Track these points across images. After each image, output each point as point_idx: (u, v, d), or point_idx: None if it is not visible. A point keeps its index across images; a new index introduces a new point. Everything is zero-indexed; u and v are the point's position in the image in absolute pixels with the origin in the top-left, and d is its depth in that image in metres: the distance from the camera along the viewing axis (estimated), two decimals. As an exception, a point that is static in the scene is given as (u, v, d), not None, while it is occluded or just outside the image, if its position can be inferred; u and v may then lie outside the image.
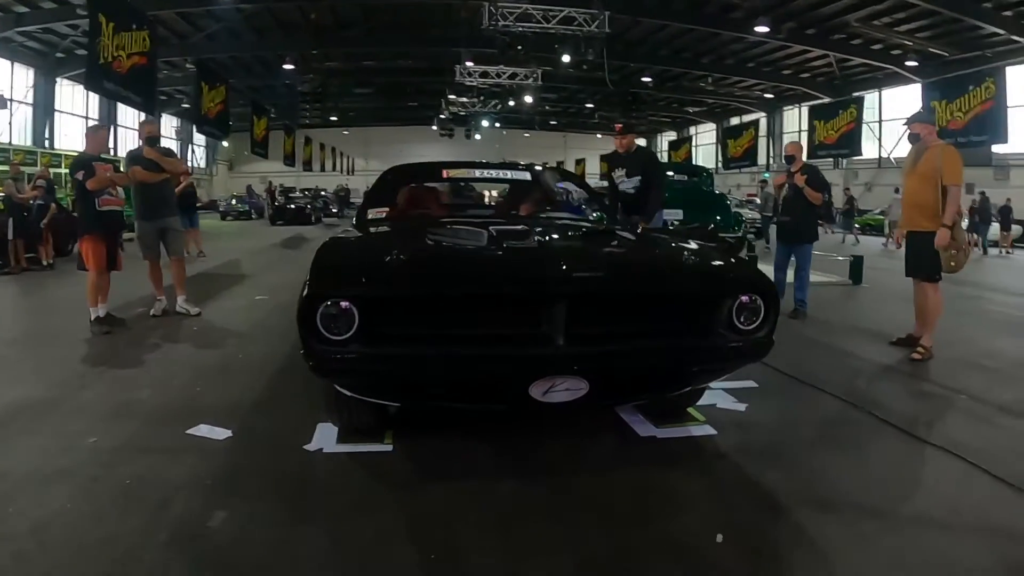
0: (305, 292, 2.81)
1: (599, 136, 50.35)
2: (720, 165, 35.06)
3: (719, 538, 2.63)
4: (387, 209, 4.71)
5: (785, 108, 37.15)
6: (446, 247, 3.62)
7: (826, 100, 28.53)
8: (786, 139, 36.24)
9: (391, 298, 2.87)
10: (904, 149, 23.02)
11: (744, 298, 3.07)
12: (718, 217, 13.24)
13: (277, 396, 4.40)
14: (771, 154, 35.77)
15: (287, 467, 3.26)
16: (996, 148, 20.80)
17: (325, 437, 3.56)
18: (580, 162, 45.46)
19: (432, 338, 2.87)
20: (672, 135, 47.21)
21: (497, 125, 38.27)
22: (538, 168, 5.62)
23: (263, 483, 3.09)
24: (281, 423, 3.84)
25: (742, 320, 3.08)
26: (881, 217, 21.67)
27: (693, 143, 34.97)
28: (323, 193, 35.36)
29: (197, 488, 3.00)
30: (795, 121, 36.29)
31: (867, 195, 29.13)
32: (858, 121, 20.72)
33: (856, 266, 10.69)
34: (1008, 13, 19.30)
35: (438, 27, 23.50)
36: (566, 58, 17.71)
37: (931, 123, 5.93)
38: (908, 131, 5.84)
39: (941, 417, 4.25)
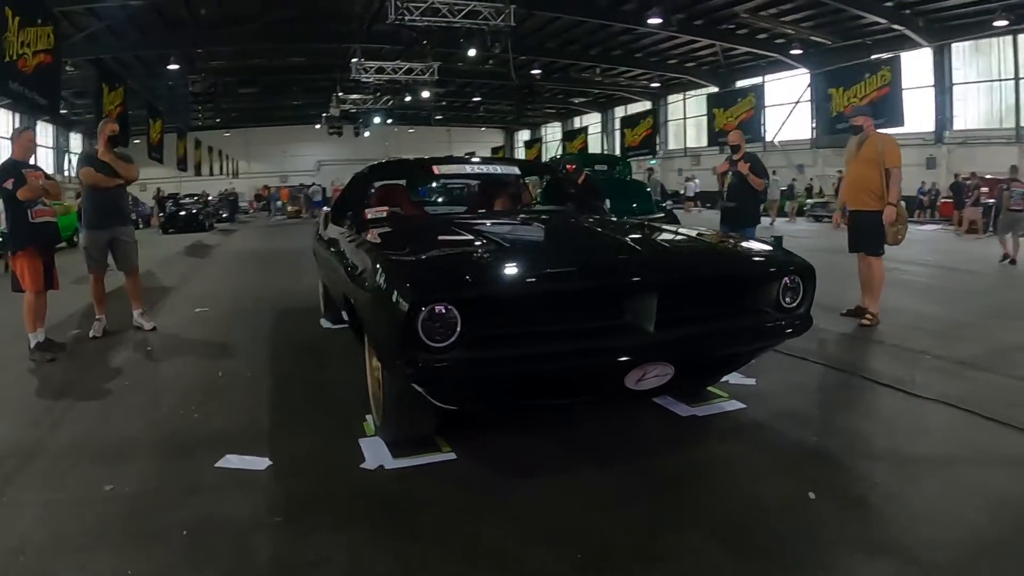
0: (399, 298, 2.62)
1: (483, 129, 50.52)
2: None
3: (811, 495, 2.84)
4: (385, 208, 4.52)
5: (670, 97, 38.30)
6: (529, 243, 3.57)
7: (726, 89, 29.67)
8: (672, 127, 37.58)
9: (498, 299, 2.79)
10: (788, 133, 24.57)
11: (787, 279, 3.29)
12: (634, 204, 13.63)
13: (291, 414, 4.04)
14: (657, 142, 36.82)
15: (356, 490, 3.01)
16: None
17: (376, 454, 3.32)
18: (470, 155, 45.25)
19: (536, 337, 2.80)
20: (557, 125, 47.79)
21: (389, 121, 37.65)
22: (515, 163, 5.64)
23: (338, 510, 2.83)
24: (318, 444, 3.53)
25: (787, 299, 3.30)
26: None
27: (588, 133, 35.20)
28: (209, 198, 33.73)
29: (270, 528, 2.68)
30: (680, 110, 37.37)
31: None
32: (757, 109, 21.72)
33: (778, 247, 11.15)
34: (889, 3, 20.78)
35: (329, 23, 22.76)
36: (472, 52, 17.58)
37: (871, 115, 6.46)
38: (851, 122, 6.50)
39: (920, 374, 4.62)
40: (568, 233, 3.68)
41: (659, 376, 2.96)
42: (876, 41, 23.66)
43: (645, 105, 39.34)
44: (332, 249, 4.79)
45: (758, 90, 23.02)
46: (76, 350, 5.73)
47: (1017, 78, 21.59)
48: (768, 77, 29.57)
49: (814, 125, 25.34)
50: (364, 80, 22.32)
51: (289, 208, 28.16)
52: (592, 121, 44.65)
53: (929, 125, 22.99)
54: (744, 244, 3.84)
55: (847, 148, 6.50)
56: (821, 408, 4.20)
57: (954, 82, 23.06)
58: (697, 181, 30.27)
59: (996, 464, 3.19)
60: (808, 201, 25.54)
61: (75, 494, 3.02)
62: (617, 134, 38.10)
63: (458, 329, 2.60)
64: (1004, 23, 19.65)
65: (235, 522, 2.73)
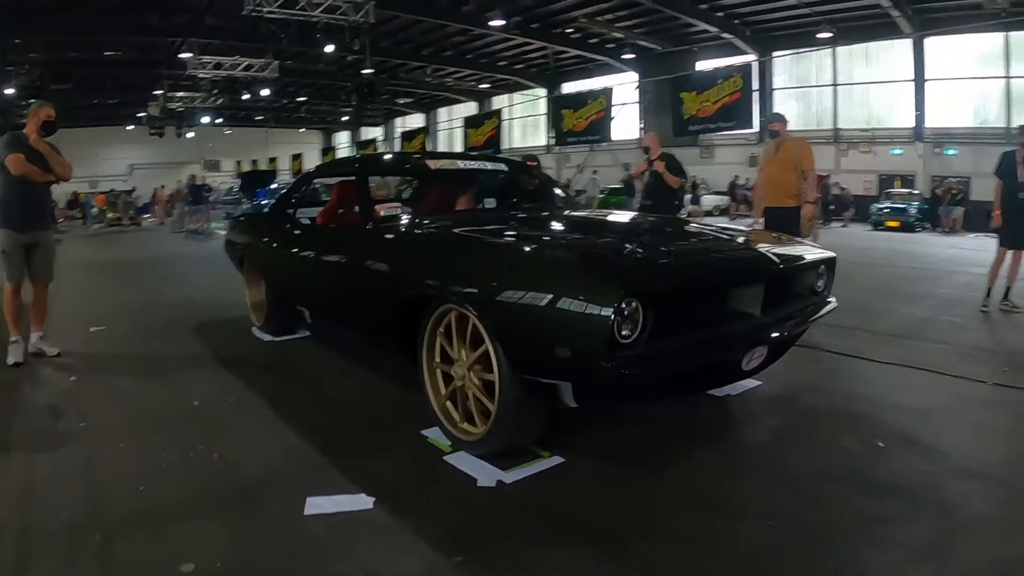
0: (599, 293, 2.49)
1: (302, 130, 48.78)
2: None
3: (880, 444, 3.38)
4: (398, 205, 4.25)
5: (495, 97, 38.97)
6: (663, 241, 3.52)
7: (573, 91, 30.32)
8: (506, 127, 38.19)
9: (674, 293, 2.77)
10: (618, 133, 25.73)
11: (823, 268, 3.72)
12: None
13: (328, 440, 3.50)
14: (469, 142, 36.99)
15: (500, 511, 2.74)
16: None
17: (482, 470, 3.04)
18: (297, 157, 43.55)
19: (693, 328, 2.85)
20: (379, 130, 47.12)
21: (219, 121, 35.30)
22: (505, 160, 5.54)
23: (505, 535, 2.57)
24: (400, 469, 3.13)
25: (819, 285, 3.70)
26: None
27: (429, 132, 34.88)
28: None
29: (458, 569, 2.36)
30: (506, 110, 38.11)
31: (579, 176, 31.81)
32: (607, 111, 22.58)
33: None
34: (720, 14, 22.60)
35: (157, 14, 20.80)
36: (330, 48, 16.88)
37: (785, 121, 6.95)
38: (769, 127, 6.98)
39: (867, 345, 5.34)
40: (679, 232, 3.87)
41: (758, 358, 3.19)
42: (703, 48, 25.62)
43: (471, 106, 39.95)
44: (320, 253, 4.45)
45: (608, 93, 23.93)
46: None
47: (836, 84, 24.30)
48: (604, 79, 31.00)
49: (642, 126, 26.80)
50: (202, 76, 20.66)
51: (109, 215, 25.52)
52: (416, 123, 44.31)
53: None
54: (791, 240, 4.14)
55: (764, 150, 7.02)
56: (821, 377, 4.58)
57: (774, 87, 25.66)
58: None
59: (969, 406, 4.05)
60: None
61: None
62: (458, 133, 38.30)
63: (640, 324, 2.55)
64: (828, 35, 21.99)
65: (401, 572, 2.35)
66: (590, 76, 31.64)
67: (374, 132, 46.30)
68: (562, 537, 2.53)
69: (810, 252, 3.74)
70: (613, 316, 2.43)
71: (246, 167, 43.93)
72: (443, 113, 43.71)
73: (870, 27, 21.61)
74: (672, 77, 21.69)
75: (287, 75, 29.37)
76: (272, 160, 43.91)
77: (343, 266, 4.09)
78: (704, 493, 2.89)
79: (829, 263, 3.75)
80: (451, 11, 23.20)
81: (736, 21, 23.44)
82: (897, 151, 22.93)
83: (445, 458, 3.18)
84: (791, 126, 6.93)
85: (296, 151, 44.66)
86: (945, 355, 5.12)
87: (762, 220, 6.90)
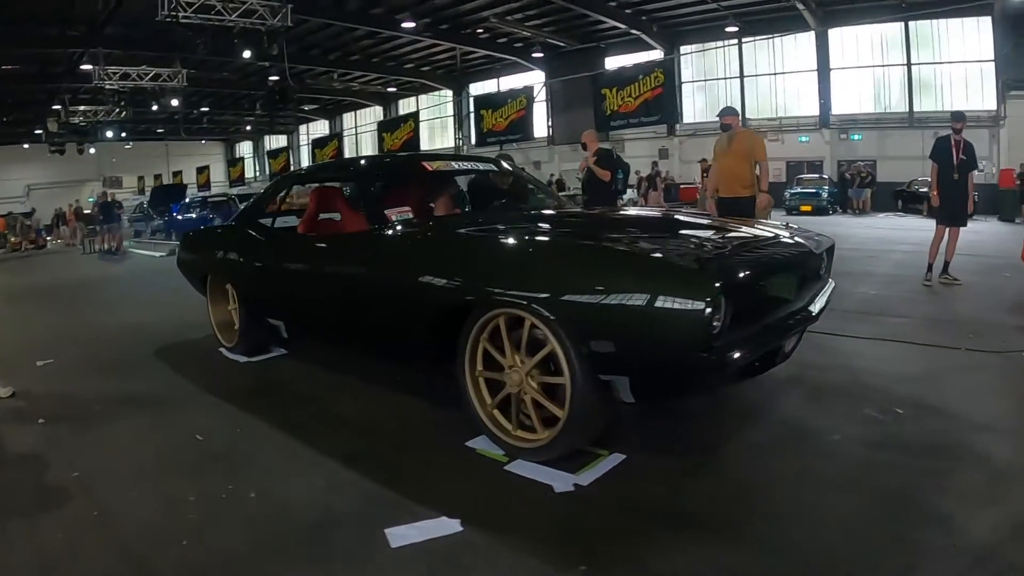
0: (697, 288, 2.53)
1: (203, 142, 47.10)
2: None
3: (900, 411, 3.63)
4: (408, 208, 4.05)
5: (401, 100, 38.60)
6: (715, 236, 3.47)
7: (491, 91, 30.56)
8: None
9: (750, 286, 2.87)
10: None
11: (828, 252, 3.84)
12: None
13: (375, 461, 3.28)
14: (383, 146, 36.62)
15: (590, 516, 2.66)
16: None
17: (550, 476, 2.94)
18: (203, 170, 41.93)
19: (759, 314, 2.98)
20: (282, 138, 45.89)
21: (123, 135, 33.51)
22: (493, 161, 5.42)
23: (616, 541, 2.48)
24: (467, 486, 2.96)
25: (823, 268, 3.82)
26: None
27: (348, 136, 33.94)
28: None
29: None
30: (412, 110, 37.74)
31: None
32: (528, 110, 22.65)
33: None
34: (628, 11, 23.01)
35: (53, 25, 19.44)
36: (247, 54, 16.25)
37: (737, 115, 7.24)
38: (721, 121, 7.16)
39: (846, 323, 5.52)
40: (717, 226, 3.83)
41: (795, 340, 3.36)
42: (611, 44, 26.09)
43: (377, 111, 39.51)
44: (316, 265, 4.23)
45: (529, 92, 24.04)
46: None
47: (742, 76, 25.13)
48: (511, 79, 31.16)
49: (550, 124, 27.05)
50: (108, 87, 19.53)
51: (12, 239, 23.75)
52: (321, 130, 43.38)
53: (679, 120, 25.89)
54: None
55: (718, 143, 7.19)
56: (815, 357, 4.62)
57: (683, 80, 26.31)
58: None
59: (955, 370, 4.43)
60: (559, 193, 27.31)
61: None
62: (365, 138, 37.59)
63: (723, 318, 2.59)
64: (734, 29, 22.69)
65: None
66: (497, 76, 31.90)
67: (279, 141, 45.20)
68: (671, 530, 2.53)
69: (827, 238, 3.90)
70: (710, 308, 2.47)
71: (149, 183, 42.04)
72: (348, 119, 43.13)
73: (776, 20, 22.58)
74: (593, 74, 22.06)
75: (191, 84, 28.28)
76: (177, 174, 42.09)
77: (352, 277, 3.88)
78: (778, 470, 2.99)
79: (831, 248, 3.89)
80: (361, 14, 22.86)
81: (644, 17, 23.99)
82: (804, 138, 23.95)
83: (506, 468, 3.06)
84: (698, 119, 7.22)
85: (198, 163, 42.98)
86: (911, 327, 5.47)
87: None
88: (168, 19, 13.59)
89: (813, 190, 21.04)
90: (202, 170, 41.70)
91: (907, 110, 21.56)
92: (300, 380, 4.79)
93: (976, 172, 7.82)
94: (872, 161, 21.91)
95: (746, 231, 3.59)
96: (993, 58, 19.68)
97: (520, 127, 22.25)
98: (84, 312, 8.61)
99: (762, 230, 3.66)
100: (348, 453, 3.36)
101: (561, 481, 2.87)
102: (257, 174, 46.94)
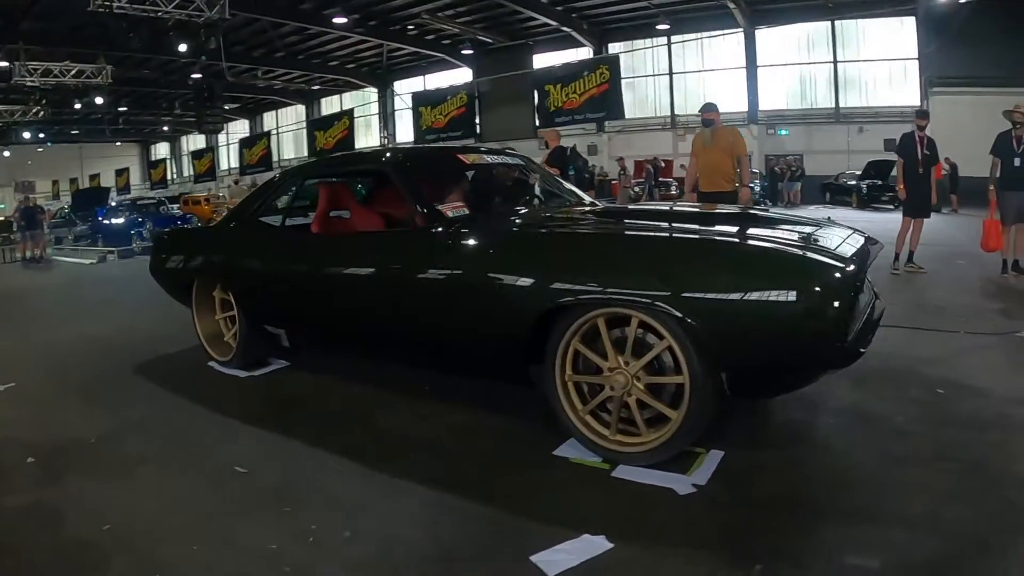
0: (823, 285, 2.59)
1: (119, 144, 45.08)
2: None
3: (940, 391, 3.85)
4: (462, 203, 3.82)
5: (323, 99, 37.77)
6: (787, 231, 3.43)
7: (433, 88, 29.49)
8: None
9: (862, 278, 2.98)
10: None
11: None
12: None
13: (470, 484, 3.00)
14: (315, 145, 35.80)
15: (727, 516, 2.61)
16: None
17: (665, 479, 2.87)
18: (123, 172, 39.91)
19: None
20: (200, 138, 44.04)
21: (42, 136, 31.48)
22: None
23: (764, 535, 2.46)
24: (585, 499, 2.79)
25: None
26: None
27: (271, 138, 32.65)
28: None
29: None
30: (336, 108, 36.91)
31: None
32: (469, 107, 22.45)
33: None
34: (559, 8, 23.21)
35: None
36: (182, 47, 15.50)
37: (718, 111, 7.40)
38: (702, 117, 7.39)
39: None
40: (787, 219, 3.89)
41: None
42: (538, 41, 26.26)
43: (299, 110, 38.58)
44: (349, 267, 3.98)
45: (470, 89, 23.86)
46: None
47: (671, 73, 25.62)
48: (437, 76, 30.91)
49: (478, 121, 26.85)
50: (29, 84, 18.27)
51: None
52: (240, 130, 41.93)
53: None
54: None
55: (699, 137, 7.32)
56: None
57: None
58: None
59: (967, 352, 4.66)
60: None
61: None
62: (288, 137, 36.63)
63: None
64: (666, 27, 23.11)
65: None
66: (424, 73, 31.78)
67: (197, 142, 43.49)
68: (814, 519, 2.54)
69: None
70: (850, 300, 2.57)
71: (65, 187, 39.87)
72: (269, 118, 41.99)
73: (705, 19, 23.27)
74: (533, 71, 22.15)
75: (110, 83, 27.03)
76: (94, 177, 39.93)
77: (402, 280, 3.62)
78: (863, 454, 3.07)
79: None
80: (289, 9, 22.30)
81: (574, 15, 24.31)
82: (733, 134, 24.58)
83: (614, 475, 2.93)
84: (629, 114, 7.38)
85: (114, 166, 40.82)
86: (902, 313, 5.51)
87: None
88: (101, 9, 12.78)
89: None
90: (121, 172, 39.53)
91: (833, 106, 22.53)
92: (321, 395, 4.39)
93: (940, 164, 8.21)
94: (799, 156, 22.80)
95: (825, 229, 3.60)
96: (917, 56, 20.82)
97: (460, 124, 22.07)
98: (29, 328, 7.63)
99: (831, 225, 3.70)
100: (427, 476, 3.04)
101: (679, 483, 2.81)
102: (174, 176, 45.15)
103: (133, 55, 21.59)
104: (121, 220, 18.81)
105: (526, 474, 3.04)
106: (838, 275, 2.64)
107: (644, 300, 2.77)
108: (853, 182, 20.21)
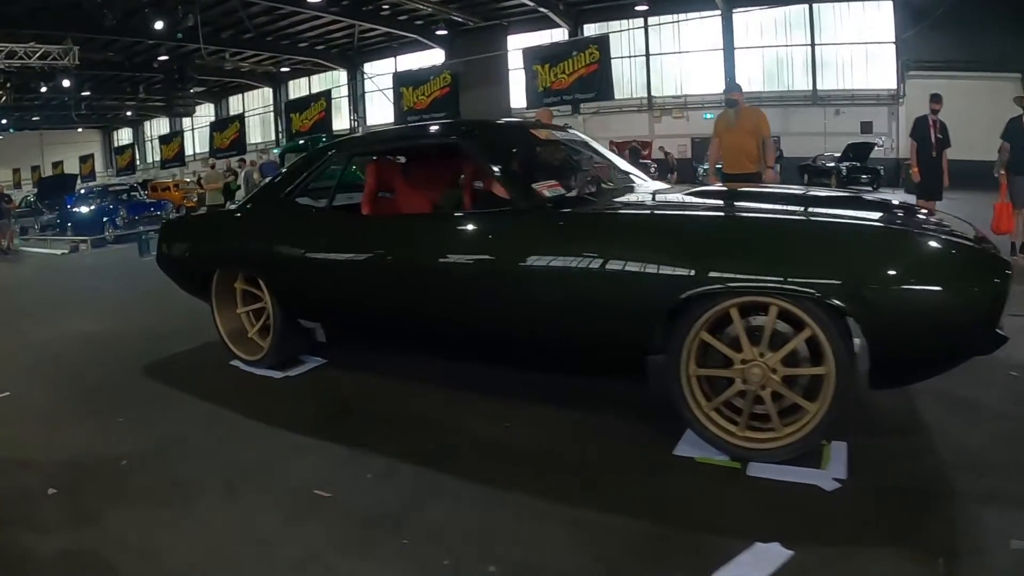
0: (985, 271, 2.63)
1: (80, 130, 43.69)
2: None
3: (1014, 373, 3.81)
4: (557, 183, 3.58)
5: (291, 81, 37.05)
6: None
7: (416, 68, 28.87)
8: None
9: None
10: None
11: None
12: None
13: (606, 498, 2.74)
14: (280, 129, 35.24)
15: (886, 510, 2.53)
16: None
17: (803, 475, 2.76)
18: (87, 159, 38.67)
19: None
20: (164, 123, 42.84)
21: (3, 122, 30.17)
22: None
23: (943, 525, 2.44)
24: (728, 505, 2.64)
25: None
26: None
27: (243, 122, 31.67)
28: None
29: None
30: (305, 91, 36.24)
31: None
32: (454, 87, 22.04)
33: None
34: None
35: None
36: (159, 25, 14.91)
37: (742, 91, 7.40)
38: (726, 97, 7.37)
39: None
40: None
41: None
42: (513, 22, 25.94)
43: (266, 92, 37.73)
44: (426, 252, 3.67)
45: (454, 69, 23.48)
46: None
47: (648, 55, 25.54)
48: (409, 58, 30.42)
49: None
50: None
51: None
52: (206, 114, 40.78)
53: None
54: None
55: (722, 118, 7.27)
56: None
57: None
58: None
59: (1014, 333, 4.97)
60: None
61: None
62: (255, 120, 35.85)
63: None
64: (644, 8, 23.01)
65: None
66: (395, 55, 31.34)
67: (161, 127, 42.34)
68: (978, 505, 2.51)
69: None
70: (1005, 286, 2.57)
71: (26, 175, 38.65)
72: (235, 102, 40.94)
73: (683, 0, 23.08)
74: (526, 48, 21.79)
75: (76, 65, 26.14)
76: (57, 164, 38.61)
77: (498, 267, 3.32)
78: (983, 438, 3.06)
79: None
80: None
81: (550, -7, 24.01)
82: (709, 115, 24.63)
83: (750, 474, 2.80)
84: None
85: (76, 153, 39.61)
86: None
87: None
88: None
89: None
90: (86, 159, 38.36)
91: (810, 88, 22.69)
92: (379, 396, 4.02)
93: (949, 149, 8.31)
94: (776, 137, 22.84)
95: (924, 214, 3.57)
96: (893, 40, 21.03)
97: (444, 105, 21.71)
98: (12, 325, 7.02)
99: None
100: (546, 488, 2.78)
101: (820, 479, 2.71)
102: (138, 162, 43.97)
103: (96, 38, 20.77)
104: (91, 208, 18.14)
105: (654, 477, 2.88)
106: (999, 261, 2.67)
107: (808, 292, 2.62)
108: (832, 164, 20.42)
